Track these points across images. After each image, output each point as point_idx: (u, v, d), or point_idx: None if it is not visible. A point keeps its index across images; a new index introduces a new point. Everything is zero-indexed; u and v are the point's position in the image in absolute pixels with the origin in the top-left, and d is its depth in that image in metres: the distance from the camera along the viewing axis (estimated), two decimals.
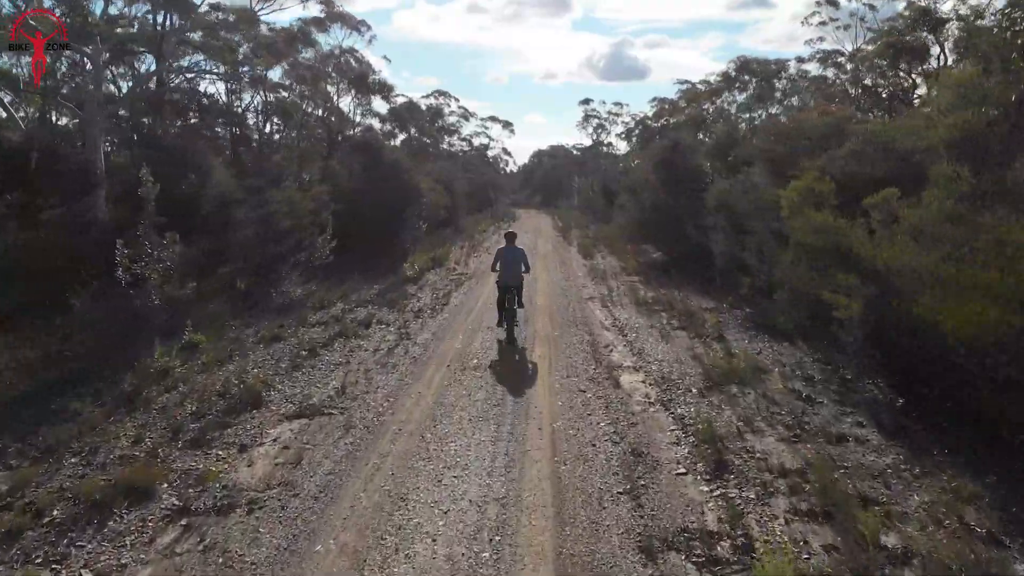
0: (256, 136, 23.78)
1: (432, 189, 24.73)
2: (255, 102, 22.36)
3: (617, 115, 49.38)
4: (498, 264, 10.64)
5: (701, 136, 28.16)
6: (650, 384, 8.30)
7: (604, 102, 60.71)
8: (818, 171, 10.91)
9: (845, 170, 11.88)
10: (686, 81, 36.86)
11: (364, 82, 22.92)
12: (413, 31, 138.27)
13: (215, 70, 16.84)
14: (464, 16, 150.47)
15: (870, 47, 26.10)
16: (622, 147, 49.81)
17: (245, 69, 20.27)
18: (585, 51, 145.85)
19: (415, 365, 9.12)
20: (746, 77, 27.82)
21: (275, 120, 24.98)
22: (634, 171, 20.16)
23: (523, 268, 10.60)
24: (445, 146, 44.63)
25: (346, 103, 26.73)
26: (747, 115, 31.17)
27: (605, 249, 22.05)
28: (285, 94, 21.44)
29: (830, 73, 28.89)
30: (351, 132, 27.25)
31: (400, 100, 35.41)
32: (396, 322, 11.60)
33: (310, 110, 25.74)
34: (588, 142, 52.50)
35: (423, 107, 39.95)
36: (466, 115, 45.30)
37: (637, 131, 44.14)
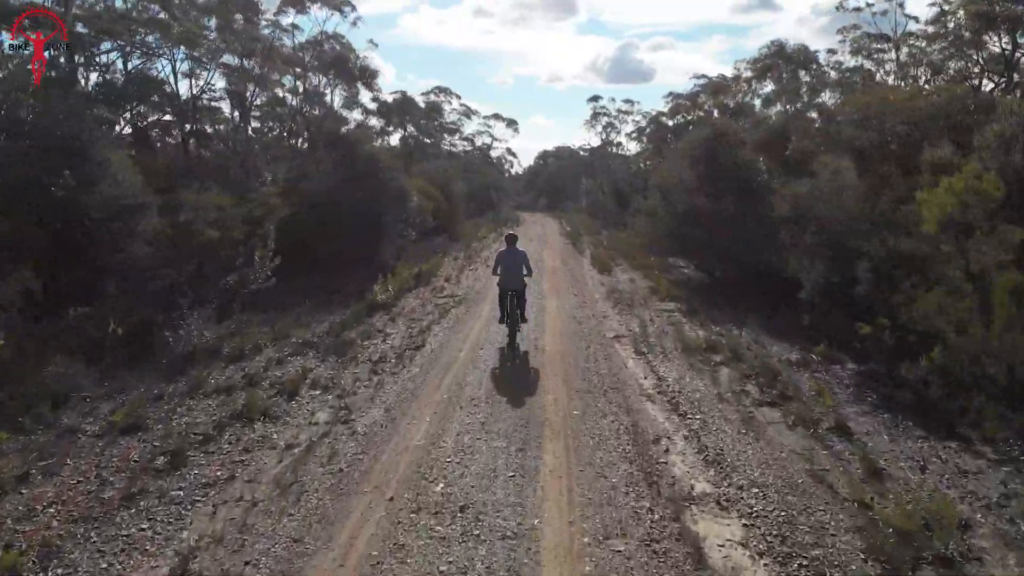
0: (221, 129, 19.85)
1: (423, 191, 20.73)
2: (215, 88, 18.41)
3: (627, 113, 45.15)
4: (499, 268, 9.38)
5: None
6: (760, 552, 4.24)
7: (614, 99, 56.51)
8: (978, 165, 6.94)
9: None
10: (703, 76, 32.67)
11: (344, 66, 18.85)
12: (419, 35, 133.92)
13: (136, 41, 12.87)
14: (469, 20, 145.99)
15: (917, 30, 22.17)
16: (632, 148, 45.69)
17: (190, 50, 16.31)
18: (590, 54, 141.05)
19: (335, 495, 5.05)
20: (779, 63, 23.62)
21: (247, 113, 21.08)
22: (661, 168, 15.82)
23: (525, 271, 9.30)
24: (446, 145, 40.57)
25: (333, 96, 22.85)
26: (774, 110, 27.10)
27: (624, 262, 17.93)
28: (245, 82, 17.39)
29: (866, 64, 24.86)
30: (342, 129, 23.34)
31: (394, 94, 31.57)
32: (338, 385, 7.57)
33: (291, 101, 21.86)
34: (596, 142, 48.28)
35: (421, 104, 35.98)
36: (468, 113, 41.21)
37: (649, 129, 39.93)
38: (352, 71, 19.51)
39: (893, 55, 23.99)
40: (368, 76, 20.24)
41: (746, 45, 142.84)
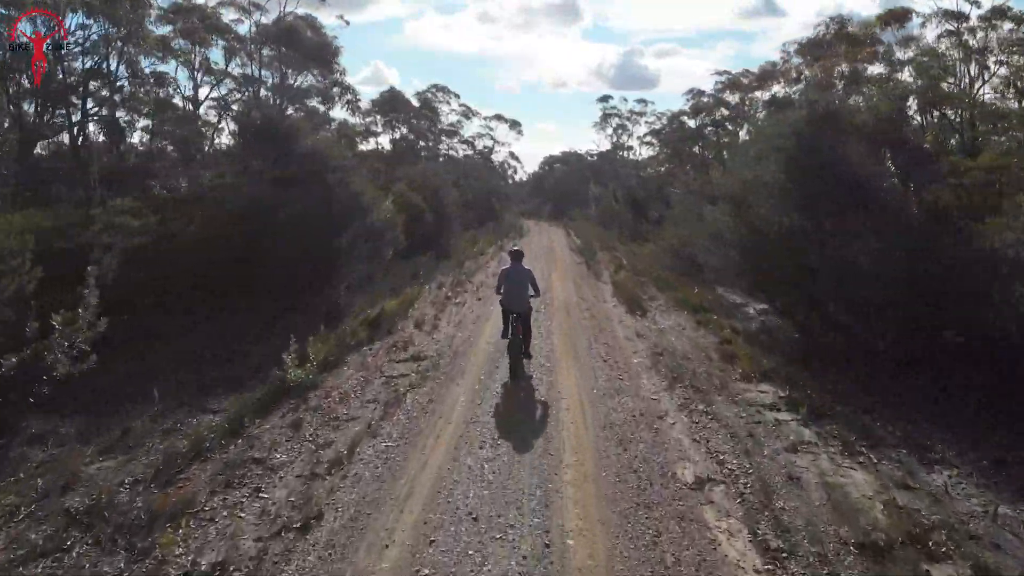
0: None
1: (403, 198, 15.94)
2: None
3: (640, 114, 40.33)
4: (502, 287, 7.87)
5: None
6: None
7: (625, 99, 51.59)
8: None
9: None
10: (725, 72, 27.99)
11: (295, 39, 14.13)
12: (424, 40, 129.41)
13: None
14: (475, 25, 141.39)
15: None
16: (644, 152, 40.86)
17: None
18: (595, 60, 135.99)
19: None
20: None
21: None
22: (735, 170, 10.47)
23: (530, 291, 7.79)
24: (444, 148, 35.85)
25: (293, 82, 18.09)
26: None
27: (659, 293, 13.10)
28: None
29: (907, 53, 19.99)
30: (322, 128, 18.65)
31: (383, 92, 26.85)
32: None
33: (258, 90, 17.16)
34: (606, 145, 43.55)
35: (416, 103, 31.30)
36: (468, 113, 36.38)
37: (666, 131, 35.03)
38: (308, 48, 14.74)
39: (960, 40, 19.16)
40: (327, 54, 15.46)
41: (752, 51, 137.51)
